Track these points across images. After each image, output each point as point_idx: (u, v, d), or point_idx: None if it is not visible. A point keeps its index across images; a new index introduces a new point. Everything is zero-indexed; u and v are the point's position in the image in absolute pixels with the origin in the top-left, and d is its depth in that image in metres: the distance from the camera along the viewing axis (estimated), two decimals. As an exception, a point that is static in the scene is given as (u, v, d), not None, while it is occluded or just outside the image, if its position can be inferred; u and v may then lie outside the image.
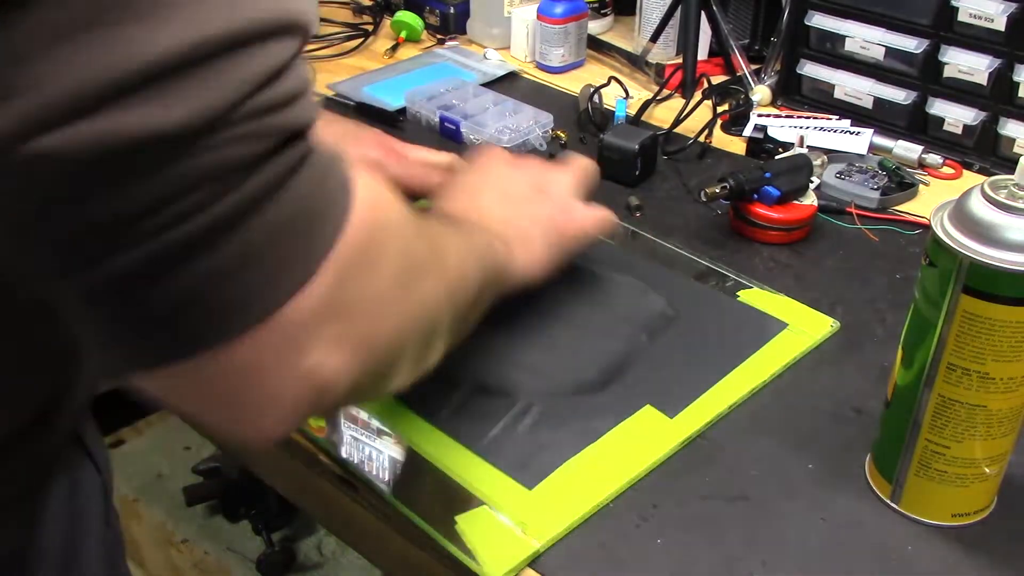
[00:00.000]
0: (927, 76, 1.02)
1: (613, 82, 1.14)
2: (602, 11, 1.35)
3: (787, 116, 1.09)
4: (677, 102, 1.12)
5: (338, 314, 0.42)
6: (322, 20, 1.33)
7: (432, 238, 0.54)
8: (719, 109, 1.10)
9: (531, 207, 0.73)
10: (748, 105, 1.11)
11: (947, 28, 0.99)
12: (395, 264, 0.46)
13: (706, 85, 1.15)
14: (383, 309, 0.45)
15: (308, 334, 0.41)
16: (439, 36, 1.32)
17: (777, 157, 0.95)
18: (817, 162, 0.95)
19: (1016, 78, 0.96)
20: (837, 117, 1.08)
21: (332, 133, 0.84)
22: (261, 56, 0.38)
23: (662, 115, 1.11)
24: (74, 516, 0.66)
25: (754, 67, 1.17)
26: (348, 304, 0.43)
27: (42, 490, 0.61)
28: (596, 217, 0.77)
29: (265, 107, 0.38)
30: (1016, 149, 0.99)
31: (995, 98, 0.99)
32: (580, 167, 0.79)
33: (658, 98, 1.14)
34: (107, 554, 0.69)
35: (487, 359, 0.74)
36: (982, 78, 0.98)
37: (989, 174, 0.95)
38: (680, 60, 1.18)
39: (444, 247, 0.55)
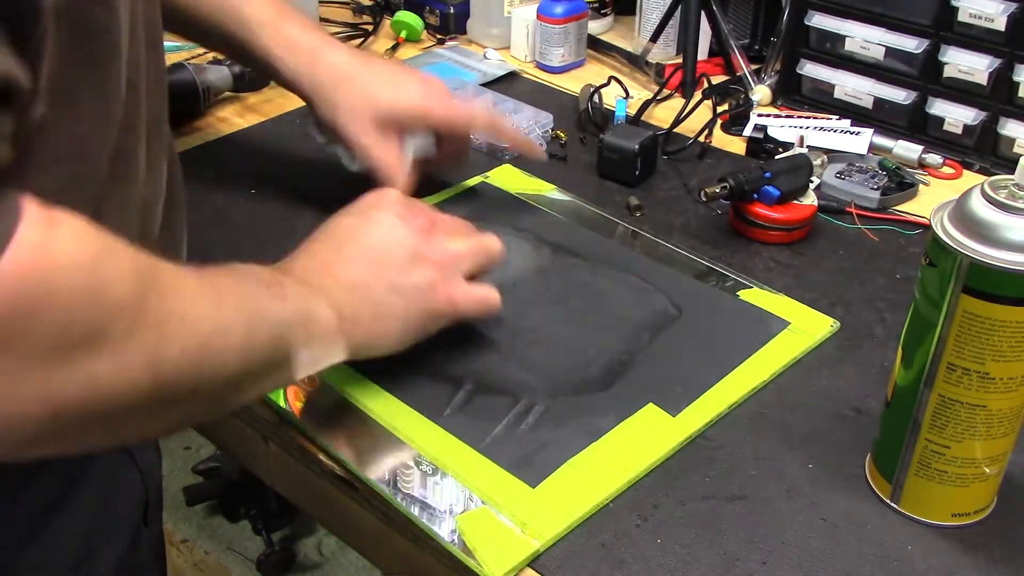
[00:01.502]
0: (927, 76, 1.02)
1: (613, 82, 1.14)
2: (602, 11, 1.35)
3: (787, 116, 1.09)
4: (677, 102, 1.12)
5: None
6: (322, 20, 1.33)
7: (154, 305, 0.47)
8: (719, 109, 1.10)
9: (399, 275, 0.67)
10: (748, 105, 1.11)
11: (947, 28, 0.99)
12: (54, 332, 0.42)
13: (706, 85, 1.15)
14: (24, 376, 0.41)
15: None
16: (439, 36, 1.32)
17: (777, 157, 0.95)
18: (817, 162, 0.95)
19: (1016, 78, 0.96)
20: (837, 117, 1.08)
21: (384, 67, 0.85)
22: None
23: (662, 115, 1.11)
24: (100, 516, 0.66)
25: (754, 67, 1.17)
26: None
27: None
28: (476, 296, 0.70)
29: None
30: (1016, 149, 0.99)
31: (995, 98, 0.99)
32: (483, 245, 0.72)
33: (658, 98, 1.14)
34: (130, 562, 0.68)
35: (489, 358, 0.74)
36: (982, 78, 0.98)
37: (989, 174, 0.95)
38: (680, 60, 1.18)
39: (168, 316, 0.48)
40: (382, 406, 0.70)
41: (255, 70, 0.93)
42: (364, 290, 0.65)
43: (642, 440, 0.67)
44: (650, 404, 0.70)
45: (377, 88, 0.84)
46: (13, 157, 0.42)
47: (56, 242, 0.42)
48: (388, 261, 0.67)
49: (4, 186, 0.41)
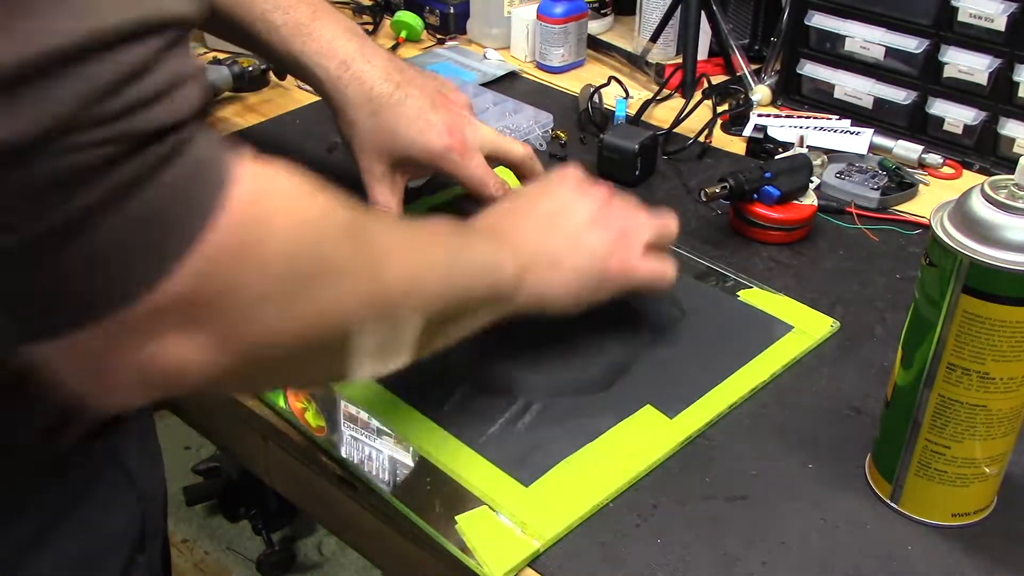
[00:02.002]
0: (927, 76, 1.02)
1: (613, 82, 1.14)
2: (602, 11, 1.35)
3: (787, 116, 1.09)
4: (677, 102, 1.12)
5: (194, 311, 0.42)
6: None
7: (363, 242, 0.51)
8: (719, 109, 1.10)
9: (577, 235, 0.69)
10: (748, 105, 1.11)
11: (947, 28, 0.99)
12: (279, 264, 0.44)
13: (706, 85, 1.15)
14: (258, 308, 0.44)
15: (152, 329, 0.41)
16: (439, 36, 1.32)
17: (777, 157, 0.95)
18: (817, 162, 0.95)
19: (1016, 78, 0.96)
20: (837, 117, 1.08)
21: (416, 99, 0.83)
22: (111, 62, 0.37)
23: (662, 115, 1.11)
24: (93, 542, 0.65)
25: (754, 67, 1.17)
26: (209, 301, 0.42)
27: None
28: (653, 267, 0.72)
29: (118, 112, 0.38)
30: (1016, 149, 0.99)
31: (995, 98, 0.99)
32: (662, 221, 0.74)
33: (658, 98, 1.14)
34: None
35: (489, 357, 0.74)
36: (982, 78, 0.98)
37: (989, 174, 0.95)
38: (680, 60, 1.18)
39: (382, 254, 0.52)
40: (380, 405, 0.70)
41: (289, 73, 0.91)
42: (545, 245, 0.67)
43: (638, 442, 0.67)
44: (647, 406, 0.70)
45: (401, 126, 0.82)
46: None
47: (272, 182, 0.45)
48: (567, 224, 0.70)
49: (205, 133, 0.42)
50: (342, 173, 0.90)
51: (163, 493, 0.73)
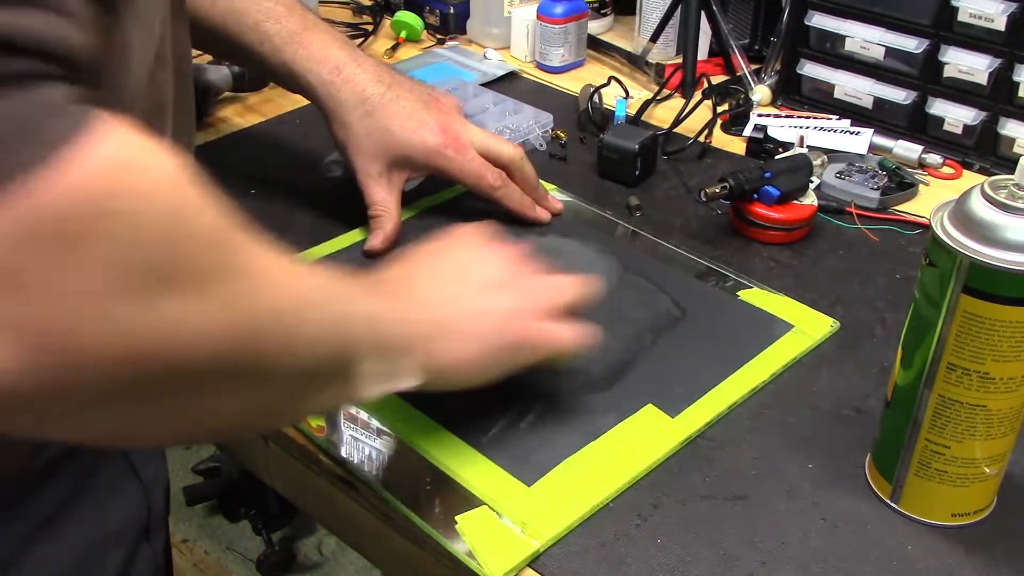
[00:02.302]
0: (927, 76, 1.02)
1: (613, 82, 1.14)
2: (602, 11, 1.35)
3: (787, 116, 1.09)
4: (677, 102, 1.12)
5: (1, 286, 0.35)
6: (323, 20, 1.33)
7: (232, 258, 0.43)
8: (719, 109, 1.10)
9: (480, 299, 0.62)
10: (748, 105, 1.11)
11: (947, 28, 0.99)
12: (115, 255, 0.36)
13: (706, 85, 1.15)
14: (73, 305, 0.36)
15: None
16: (439, 36, 1.32)
17: (777, 157, 0.95)
18: (817, 162, 0.95)
19: (1016, 78, 0.96)
20: (837, 117, 1.08)
21: (407, 100, 0.82)
22: None
23: (662, 115, 1.11)
24: (98, 531, 0.65)
25: (754, 67, 1.17)
26: (20, 279, 0.35)
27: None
28: (566, 334, 0.64)
29: None
30: (1016, 149, 0.99)
31: (995, 98, 0.99)
32: (578, 286, 0.67)
33: (658, 98, 1.14)
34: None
35: None
36: (982, 78, 0.98)
37: (989, 174, 0.95)
38: (680, 60, 1.18)
39: (252, 281, 0.44)
40: (380, 404, 0.70)
41: (276, 83, 0.91)
42: (440, 307, 0.61)
43: (640, 441, 0.67)
44: (649, 405, 0.70)
45: (395, 125, 0.83)
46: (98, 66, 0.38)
47: (141, 151, 0.38)
48: (470, 284, 0.63)
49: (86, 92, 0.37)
50: (341, 174, 0.91)
51: (165, 480, 0.73)
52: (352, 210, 0.87)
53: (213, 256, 0.41)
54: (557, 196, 0.94)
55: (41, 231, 0.34)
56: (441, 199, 0.94)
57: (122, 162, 0.37)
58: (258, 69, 0.90)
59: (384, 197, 0.84)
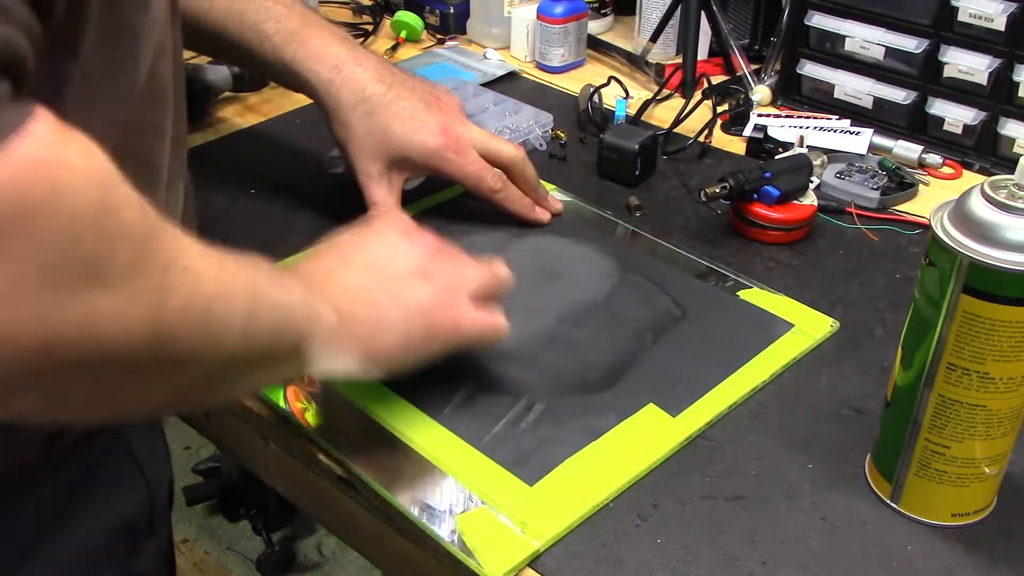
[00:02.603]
0: (927, 76, 1.02)
1: (613, 82, 1.14)
2: (602, 11, 1.35)
3: (787, 116, 1.09)
4: (677, 102, 1.12)
5: None
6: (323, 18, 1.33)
7: (155, 255, 0.44)
8: (719, 109, 1.10)
9: (400, 286, 0.64)
10: (748, 105, 1.11)
11: (947, 28, 0.99)
12: (40, 246, 0.38)
13: (706, 85, 1.15)
14: (9, 294, 0.37)
15: None
16: (439, 36, 1.32)
17: (777, 157, 0.95)
18: (817, 162, 0.95)
19: (1016, 78, 0.96)
20: (837, 117, 1.08)
21: (408, 100, 0.82)
22: None
23: (662, 115, 1.11)
24: (103, 528, 0.66)
25: (754, 67, 1.17)
26: None
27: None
28: (484, 321, 0.66)
29: None
30: (1016, 149, 0.99)
31: (995, 98, 0.99)
32: (495, 274, 0.68)
33: (658, 98, 1.14)
34: (133, 572, 0.68)
35: (492, 356, 0.74)
36: (982, 78, 0.98)
37: (989, 174, 0.95)
38: (680, 60, 1.18)
39: (175, 277, 0.45)
40: (383, 404, 0.70)
41: (278, 82, 0.91)
42: (365, 295, 0.62)
43: (642, 440, 0.67)
44: (650, 404, 0.70)
45: (395, 125, 0.83)
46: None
47: (69, 149, 0.39)
48: (390, 274, 0.64)
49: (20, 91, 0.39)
50: (342, 173, 0.91)
51: (169, 475, 0.73)
52: (352, 210, 0.87)
53: (136, 250, 0.42)
54: (557, 196, 0.94)
55: None
56: (441, 199, 0.94)
57: (48, 159, 0.38)
58: (259, 69, 0.90)
59: (384, 197, 0.84)
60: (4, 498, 0.60)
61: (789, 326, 0.78)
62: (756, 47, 1.24)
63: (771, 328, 0.77)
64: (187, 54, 1.17)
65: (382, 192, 0.85)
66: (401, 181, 0.86)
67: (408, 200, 0.89)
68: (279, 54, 0.84)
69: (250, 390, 0.57)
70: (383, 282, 0.64)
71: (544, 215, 0.91)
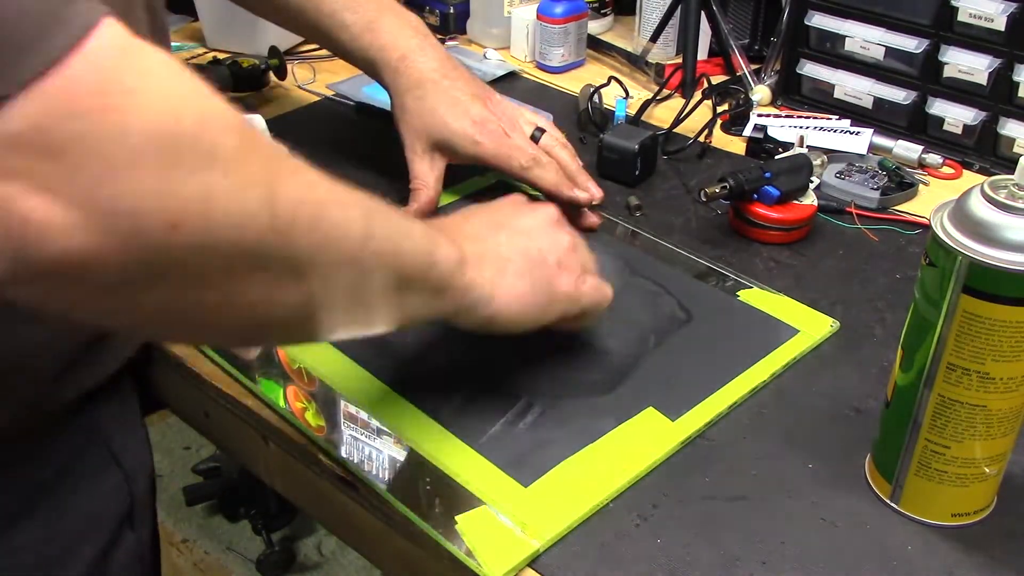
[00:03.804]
0: (927, 76, 1.02)
1: (613, 82, 1.14)
2: (602, 11, 1.35)
3: (787, 116, 1.09)
4: (677, 102, 1.12)
5: (46, 156, 0.37)
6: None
7: (257, 147, 0.45)
8: (719, 109, 1.10)
9: (527, 243, 0.66)
10: (748, 105, 1.11)
11: (947, 28, 0.99)
12: (149, 127, 0.39)
13: (706, 85, 1.15)
14: (122, 175, 0.39)
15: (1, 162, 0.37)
16: (439, 36, 1.32)
17: (777, 157, 0.95)
18: (817, 162, 0.95)
19: (1016, 78, 0.96)
20: (837, 117, 1.08)
21: (459, 91, 0.87)
22: None
23: (662, 115, 1.11)
24: (75, 519, 0.66)
25: (754, 67, 1.17)
26: (63, 147, 0.38)
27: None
28: (599, 288, 0.70)
29: None
30: (1016, 149, 0.99)
31: (995, 98, 0.99)
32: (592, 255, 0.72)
33: (658, 98, 1.14)
34: (105, 566, 0.68)
35: (492, 357, 0.74)
36: (982, 78, 0.98)
37: (989, 174, 0.95)
38: (680, 60, 1.18)
39: (281, 170, 0.46)
40: (381, 403, 0.70)
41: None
42: (491, 244, 0.64)
43: (639, 443, 0.67)
44: (650, 408, 0.70)
45: (441, 108, 0.87)
46: None
47: (143, 42, 0.41)
48: (516, 231, 0.67)
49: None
50: (342, 173, 0.91)
51: (150, 468, 0.74)
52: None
53: (238, 134, 0.43)
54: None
55: (74, 103, 0.37)
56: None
57: (135, 43, 0.40)
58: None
59: (425, 172, 0.88)
60: None
61: (793, 331, 0.77)
62: (756, 47, 1.24)
63: (776, 334, 0.77)
64: (186, 54, 1.17)
65: (424, 167, 0.88)
66: (443, 164, 0.89)
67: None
68: (355, 42, 0.90)
69: (373, 323, 0.55)
70: (510, 237, 0.66)
71: (582, 194, 0.89)
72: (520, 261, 0.64)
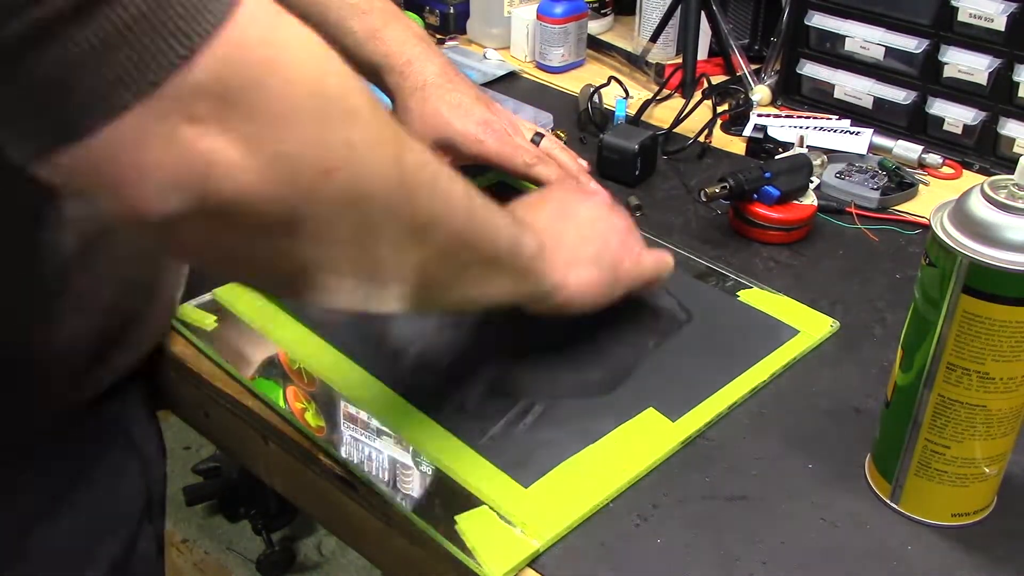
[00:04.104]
0: (927, 76, 1.02)
1: (613, 82, 1.14)
2: (602, 11, 1.35)
3: (787, 116, 1.09)
4: (677, 102, 1.12)
5: (223, 101, 0.41)
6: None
7: (387, 118, 0.49)
8: (719, 109, 1.10)
9: (590, 229, 0.71)
10: (748, 105, 1.11)
11: (947, 28, 0.99)
12: (305, 83, 0.43)
13: (706, 85, 1.15)
14: (289, 119, 0.43)
15: (188, 108, 0.40)
16: (439, 36, 1.32)
17: (777, 157, 0.95)
18: (817, 162, 0.95)
19: (1016, 78, 0.96)
20: (837, 117, 1.08)
21: (462, 94, 0.89)
22: None
23: (662, 115, 1.11)
24: (102, 514, 0.66)
25: (754, 67, 1.17)
26: (238, 94, 0.41)
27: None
28: (659, 256, 0.76)
29: None
30: (1016, 149, 0.99)
31: (995, 98, 0.99)
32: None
33: (658, 98, 1.14)
34: (130, 559, 0.69)
35: (494, 358, 0.74)
36: (982, 78, 0.98)
37: (989, 174, 0.95)
38: (680, 60, 1.18)
39: (405, 144, 0.50)
40: (381, 403, 0.70)
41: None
42: (559, 232, 0.68)
43: (639, 443, 0.67)
44: (650, 408, 0.70)
45: (444, 109, 0.89)
46: None
47: (287, 15, 0.44)
48: (578, 218, 0.72)
49: None
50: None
51: (163, 467, 0.75)
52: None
53: (365, 94, 0.47)
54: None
55: (246, 54, 0.41)
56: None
57: (274, 8, 0.43)
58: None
59: None
60: (2, 478, 0.61)
61: (794, 332, 0.77)
62: (756, 47, 1.24)
63: (776, 333, 0.77)
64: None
65: None
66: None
67: None
68: (360, 49, 0.90)
69: (470, 298, 0.60)
70: (576, 227, 0.71)
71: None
72: (588, 249, 0.70)
